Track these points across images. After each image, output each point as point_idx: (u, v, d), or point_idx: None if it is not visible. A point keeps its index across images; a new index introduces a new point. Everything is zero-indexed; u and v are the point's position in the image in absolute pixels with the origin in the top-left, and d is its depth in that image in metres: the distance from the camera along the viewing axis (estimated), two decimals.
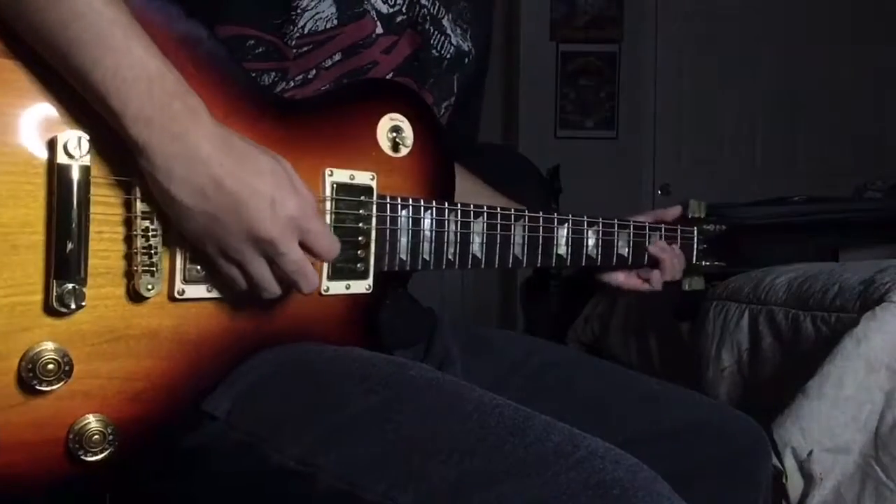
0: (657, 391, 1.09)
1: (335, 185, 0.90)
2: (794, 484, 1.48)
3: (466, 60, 1.14)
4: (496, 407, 0.75)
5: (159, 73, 0.73)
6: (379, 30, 1.00)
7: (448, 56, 1.10)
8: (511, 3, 4.67)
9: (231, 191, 0.75)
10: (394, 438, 0.74)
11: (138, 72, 0.71)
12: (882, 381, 1.46)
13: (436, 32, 1.07)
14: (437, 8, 1.07)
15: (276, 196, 0.77)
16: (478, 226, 1.03)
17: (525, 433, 0.71)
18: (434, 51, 1.08)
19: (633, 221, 1.23)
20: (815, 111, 4.69)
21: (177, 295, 0.80)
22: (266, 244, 0.77)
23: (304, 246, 0.80)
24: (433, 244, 0.99)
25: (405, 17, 1.03)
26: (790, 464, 1.48)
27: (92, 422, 0.77)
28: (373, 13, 0.99)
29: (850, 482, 1.46)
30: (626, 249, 1.20)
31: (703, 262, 1.33)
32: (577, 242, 1.13)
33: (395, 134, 0.96)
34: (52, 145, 0.73)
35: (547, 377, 1.11)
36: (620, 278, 1.28)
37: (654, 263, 1.26)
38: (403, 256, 0.96)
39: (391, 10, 1.01)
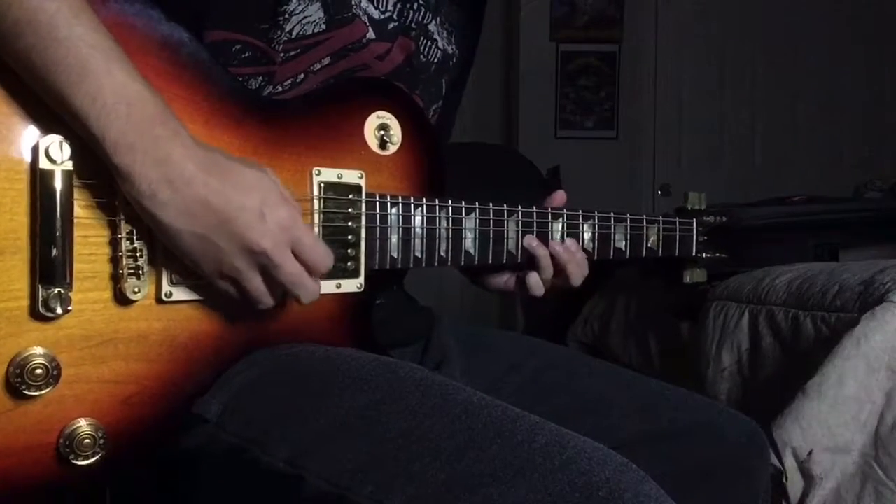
0: (657, 392, 1.09)
1: (323, 185, 0.89)
2: (794, 484, 1.47)
3: (451, 63, 1.14)
4: (484, 408, 0.75)
5: (140, 97, 0.72)
6: (371, 35, 1.00)
7: (435, 60, 1.10)
8: (511, 3, 4.67)
9: (218, 209, 0.75)
10: (381, 440, 0.74)
11: (118, 97, 0.71)
12: (882, 381, 1.45)
13: (422, 38, 1.08)
14: (423, 13, 1.07)
15: (265, 208, 0.77)
16: (469, 222, 1.02)
17: (512, 434, 0.71)
18: (422, 56, 1.08)
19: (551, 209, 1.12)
20: (816, 111, 4.68)
21: (164, 297, 0.80)
22: (260, 256, 0.78)
23: (296, 257, 0.80)
24: (424, 241, 0.98)
25: (396, 23, 1.03)
26: (790, 464, 1.47)
27: (83, 426, 0.77)
28: (364, 18, 0.99)
29: (850, 482, 1.45)
30: (624, 243, 1.19)
31: (704, 255, 1.32)
32: (572, 237, 1.12)
33: (382, 132, 0.95)
34: (34, 150, 0.73)
35: (546, 378, 1.10)
36: (502, 282, 1.14)
37: (531, 261, 1.09)
38: (394, 254, 0.96)
39: (383, 17, 1.01)
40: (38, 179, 0.72)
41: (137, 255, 0.77)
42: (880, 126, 4.71)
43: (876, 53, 4.66)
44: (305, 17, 0.95)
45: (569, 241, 1.10)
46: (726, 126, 4.70)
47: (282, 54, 0.95)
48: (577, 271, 1.10)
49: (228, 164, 0.77)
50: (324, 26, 0.96)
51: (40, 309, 0.73)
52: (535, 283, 1.10)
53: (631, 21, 4.59)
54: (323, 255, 0.82)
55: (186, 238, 0.75)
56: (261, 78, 0.95)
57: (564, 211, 1.12)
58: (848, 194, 3.26)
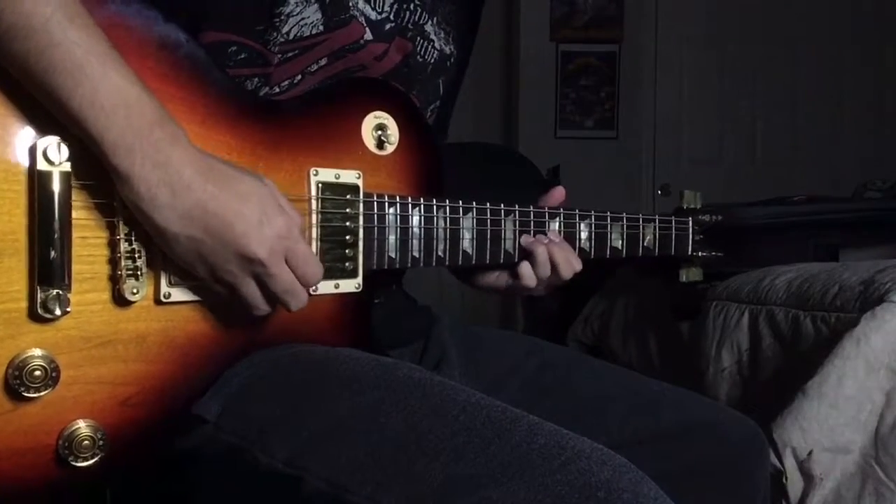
0: (656, 392, 1.09)
1: (321, 185, 0.90)
2: (794, 484, 1.47)
3: (449, 63, 1.14)
4: (483, 408, 0.74)
5: (138, 100, 0.73)
6: (368, 35, 1.00)
7: (432, 61, 1.10)
8: (511, 2, 4.67)
9: (216, 214, 0.75)
10: (379, 440, 0.74)
11: (116, 100, 0.71)
12: (882, 381, 1.45)
13: (419, 38, 1.08)
14: (419, 14, 1.07)
15: (263, 217, 0.77)
16: (467, 221, 1.02)
17: (511, 435, 0.71)
18: (419, 56, 1.08)
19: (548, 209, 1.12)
20: (816, 111, 4.68)
21: (163, 298, 0.80)
22: (255, 264, 0.78)
23: (288, 266, 0.80)
24: (422, 241, 0.98)
25: (393, 24, 1.03)
26: (790, 464, 1.47)
27: (82, 427, 0.77)
28: (361, 19, 0.99)
29: (850, 482, 1.45)
30: (620, 242, 1.19)
31: (700, 253, 1.32)
32: (568, 236, 1.13)
33: (379, 132, 0.95)
34: (31, 152, 0.73)
35: (546, 377, 1.11)
36: (493, 278, 1.14)
37: (527, 258, 1.09)
38: (392, 254, 0.96)
39: (380, 17, 1.01)
40: (36, 181, 0.72)
41: (136, 256, 0.77)
42: (881, 126, 4.71)
43: (876, 53, 4.67)
44: (303, 18, 0.95)
45: (550, 234, 1.10)
46: (726, 126, 4.71)
47: (278, 56, 0.95)
48: (564, 262, 1.09)
49: (227, 171, 0.77)
50: (321, 28, 0.96)
51: (39, 310, 0.73)
52: (528, 272, 1.08)
53: (631, 21, 4.59)
54: (314, 269, 0.82)
55: (182, 241, 0.75)
56: (257, 79, 0.95)
57: (561, 210, 1.12)
58: (848, 194, 3.25)
